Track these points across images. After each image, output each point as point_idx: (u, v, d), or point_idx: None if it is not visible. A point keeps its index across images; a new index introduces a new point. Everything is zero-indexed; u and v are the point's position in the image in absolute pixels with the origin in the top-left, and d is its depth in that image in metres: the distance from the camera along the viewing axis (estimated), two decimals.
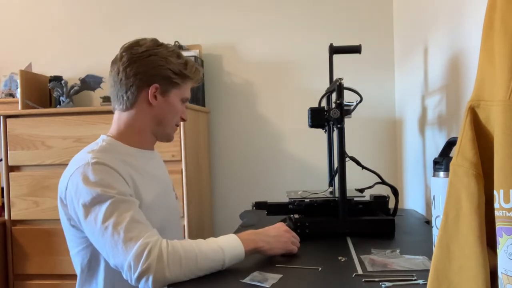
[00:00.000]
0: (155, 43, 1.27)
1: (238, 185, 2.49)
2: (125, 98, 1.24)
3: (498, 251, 0.60)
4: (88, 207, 1.08)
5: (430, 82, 1.67)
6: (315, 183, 2.32)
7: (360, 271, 1.01)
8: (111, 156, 1.18)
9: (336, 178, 1.42)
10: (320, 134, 1.84)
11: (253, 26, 2.48)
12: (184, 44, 2.41)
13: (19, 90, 2.28)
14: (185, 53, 1.76)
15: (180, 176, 2.02)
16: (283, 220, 1.44)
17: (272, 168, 2.47)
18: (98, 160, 1.13)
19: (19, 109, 2.27)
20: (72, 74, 2.54)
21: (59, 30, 2.63)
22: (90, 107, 2.45)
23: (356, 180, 1.58)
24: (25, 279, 2.14)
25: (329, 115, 1.37)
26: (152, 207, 1.21)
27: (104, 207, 1.07)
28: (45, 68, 2.56)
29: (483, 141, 0.65)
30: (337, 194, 1.43)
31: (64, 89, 2.32)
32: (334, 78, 1.42)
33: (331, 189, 1.62)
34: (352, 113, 1.53)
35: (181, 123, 1.52)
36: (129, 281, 1.02)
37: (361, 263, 1.07)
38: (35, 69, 2.53)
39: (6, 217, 2.14)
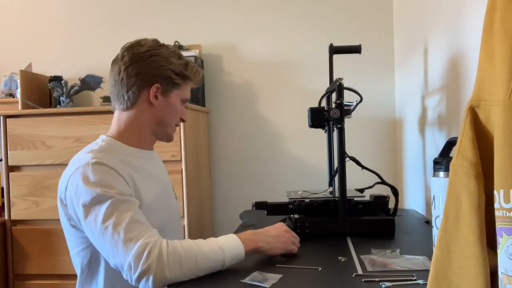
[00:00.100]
0: (157, 44, 1.27)
1: (238, 185, 2.49)
2: (126, 97, 1.24)
3: (498, 251, 0.60)
4: (88, 207, 1.08)
5: (430, 82, 1.67)
6: (315, 183, 2.32)
7: (360, 271, 1.01)
8: (111, 156, 1.18)
9: (336, 178, 1.42)
10: (320, 134, 1.84)
11: (253, 26, 2.48)
12: (184, 44, 2.41)
13: (19, 90, 2.28)
14: (185, 53, 1.77)
15: (180, 176, 2.02)
16: (283, 220, 1.44)
17: (272, 168, 2.47)
18: (98, 160, 1.13)
19: (19, 109, 2.27)
20: (72, 74, 2.54)
21: (59, 30, 2.63)
22: (90, 107, 2.44)
23: (356, 180, 1.58)
24: (25, 279, 2.14)
25: (329, 115, 1.37)
26: (152, 207, 1.21)
27: (104, 207, 1.07)
28: (45, 68, 2.56)
29: (483, 141, 0.65)
30: (337, 194, 1.43)
31: (64, 89, 2.32)
32: (334, 78, 1.42)
33: (331, 189, 1.62)
34: (352, 113, 1.53)
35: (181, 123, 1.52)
36: (129, 281, 1.02)
37: (361, 263, 1.07)
38: (35, 69, 2.53)
39: (6, 217, 2.14)
